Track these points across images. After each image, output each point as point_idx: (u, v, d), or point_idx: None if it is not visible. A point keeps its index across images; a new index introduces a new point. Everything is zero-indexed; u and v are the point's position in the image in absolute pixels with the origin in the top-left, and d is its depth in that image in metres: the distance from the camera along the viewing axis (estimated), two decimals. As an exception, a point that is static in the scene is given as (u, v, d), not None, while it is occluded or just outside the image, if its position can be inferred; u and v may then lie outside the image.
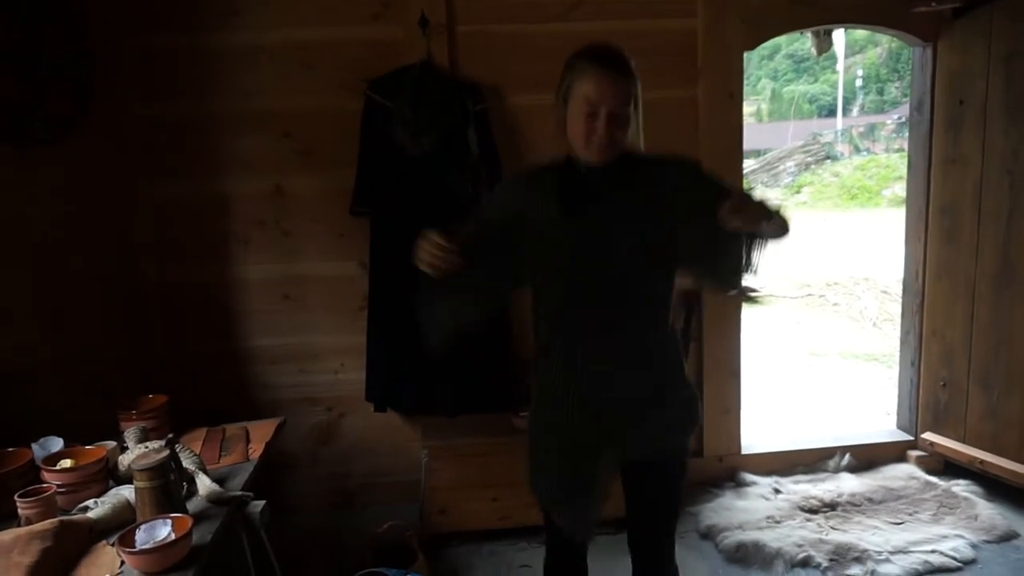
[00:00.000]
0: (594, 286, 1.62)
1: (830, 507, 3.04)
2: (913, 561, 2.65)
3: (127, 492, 1.80)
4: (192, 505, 1.83)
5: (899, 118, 18.15)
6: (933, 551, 2.69)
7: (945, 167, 3.14)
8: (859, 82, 25.17)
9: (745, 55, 3.11)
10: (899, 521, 2.92)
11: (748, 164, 18.32)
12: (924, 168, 3.25)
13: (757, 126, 23.95)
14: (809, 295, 7.59)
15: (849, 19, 3.20)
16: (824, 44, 3.17)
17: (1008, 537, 2.80)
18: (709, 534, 2.87)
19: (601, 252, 1.61)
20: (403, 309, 2.88)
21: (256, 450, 2.26)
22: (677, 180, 1.63)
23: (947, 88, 3.10)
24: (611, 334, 1.64)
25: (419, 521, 2.86)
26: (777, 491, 3.16)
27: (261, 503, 1.92)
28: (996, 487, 3.08)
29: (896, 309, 4.03)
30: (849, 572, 2.61)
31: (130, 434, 2.07)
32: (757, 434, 3.54)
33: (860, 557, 2.67)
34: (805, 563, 2.67)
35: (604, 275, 1.61)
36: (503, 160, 2.93)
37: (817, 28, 3.28)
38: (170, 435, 1.90)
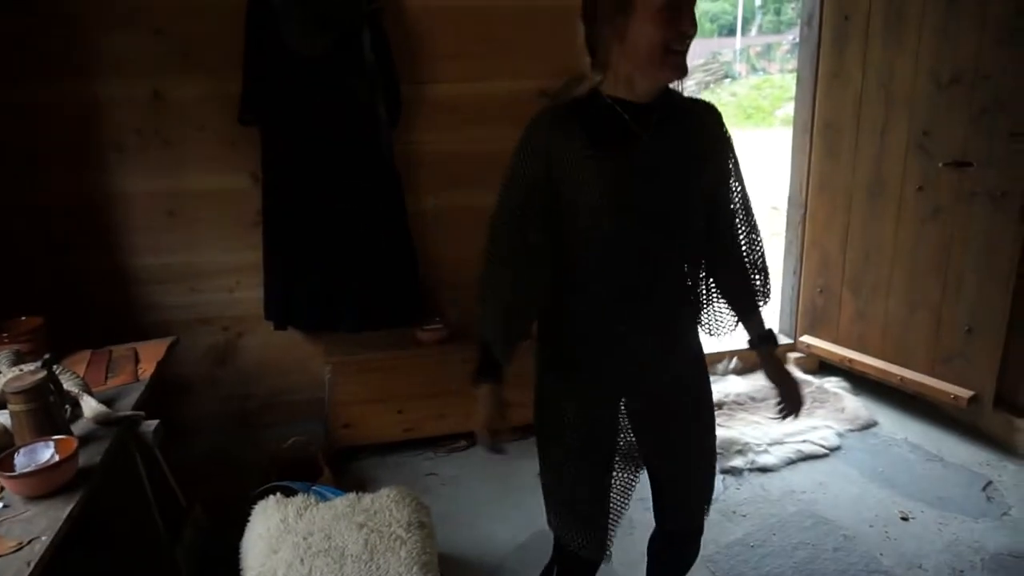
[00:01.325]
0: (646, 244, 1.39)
1: (718, 406, 3.26)
2: (787, 450, 2.90)
3: (2, 418, 1.70)
4: (78, 428, 1.76)
5: (794, 39, 18.61)
6: (804, 441, 2.96)
7: (830, 82, 3.27)
8: (758, 2, 25.52)
9: None
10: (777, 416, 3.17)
11: (651, 82, 18.45)
12: (811, 84, 3.38)
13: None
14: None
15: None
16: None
17: (868, 425, 3.11)
18: (606, 435, 3.02)
19: (656, 201, 1.37)
20: (301, 223, 2.81)
21: (146, 370, 2.17)
22: (713, 140, 1.44)
23: (835, 3, 3.19)
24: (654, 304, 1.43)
25: (324, 437, 2.87)
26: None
27: (154, 422, 1.86)
28: (862, 382, 3.39)
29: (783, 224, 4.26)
30: (732, 463, 2.83)
31: (2, 357, 1.94)
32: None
33: (742, 450, 2.90)
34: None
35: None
36: (398, 67, 2.82)
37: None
38: (47, 356, 1.79)
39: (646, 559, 1.81)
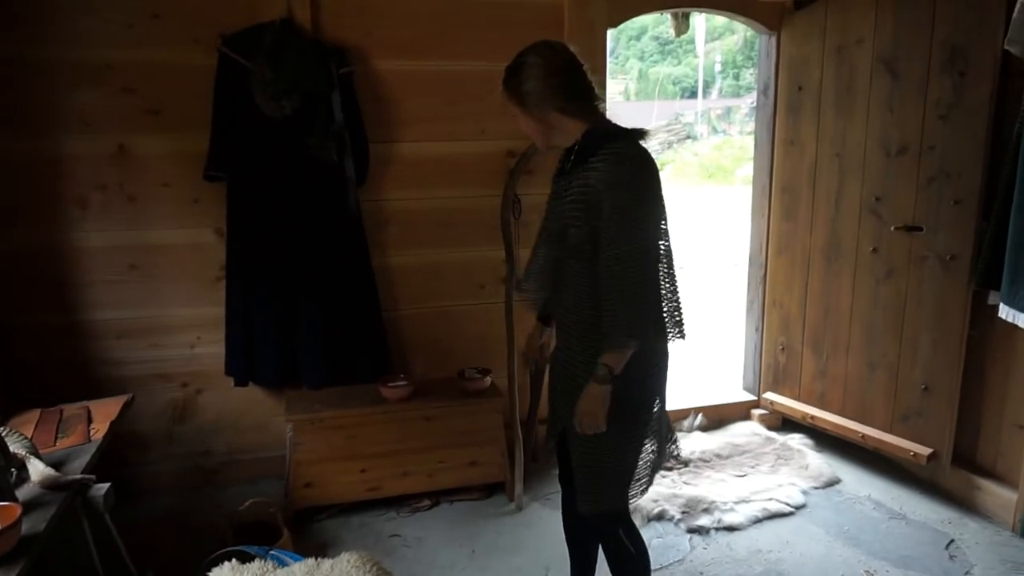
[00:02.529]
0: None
1: (683, 464, 3.26)
2: (754, 509, 2.90)
3: (-57, 481, 1.62)
4: (23, 493, 1.69)
5: (752, 103, 19.41)
6: (770, 499, 2.96)
7: (786, 148, 3.41)
8: (718, 67, 26.57)
9: (615, 35, 3.20)
10: (743, 474, 3.18)
11: (616, 141, 18.95)
12: (768, 148, 3.51)
13: (625, 104, 24.74)
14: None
15: (704, 4, 3.36)
16: (682, 26, 3.33)
17: (832, 483, 3.13)
18: (572, 494, 2.99)
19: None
20: (265, 278, 2.79)
21: (99, 430, 2.11)
22: (602, 185, 1.69)
23: (788, 75, 3.35)
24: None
25: (284, 497, 2.79)
26: (636, 451, 3.34)
27: (105, 486, 1.80)
28: (824, 439, 3.43)
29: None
30: (699, 522, 2.81)
31: (-54, 418, 1.86)
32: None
33: (708, 508, 2.89)
34: (660, 516, 2.85)
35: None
36: (367, 127, 2.87)
37: (675, 10, 3.43)
38: (-6, 417, 1.73)
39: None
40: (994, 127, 2.67)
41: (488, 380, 2.97)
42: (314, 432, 2.75)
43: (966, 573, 2.52)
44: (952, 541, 2.70)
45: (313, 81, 2.66)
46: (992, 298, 2.65)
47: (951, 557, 2.61)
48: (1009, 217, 2.52)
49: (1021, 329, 2.52)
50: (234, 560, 1.93)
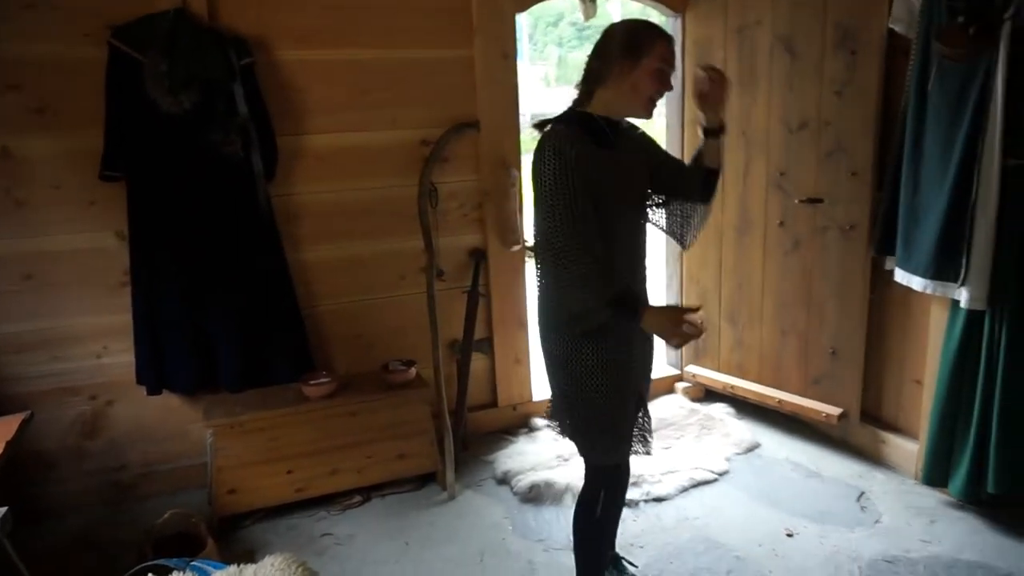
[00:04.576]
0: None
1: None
2: (680, 479, 2.98)
3: None
4: (-89, 522, 1.57)
5: (667, 85, 19.78)
6: (696, 468, 3.06)
7: (694, 128, 3.49)
8: (633, 51, 27.02)
9: (533, 22, 3.21)
10: (668, 446, 3.27)
11: (537, 127, 19.07)
12: (679, 129, 3.60)
13: (545, 90, 24.84)
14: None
15: (610, -13, 3.41)
16: (590, 10, 3.35)
17: (753, 448, 3.26)
18: (505, 479, 3.01)
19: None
20: (173, 281, 2.69)
21: (-4, 451, 1.98)
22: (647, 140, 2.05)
23: (694, 56, 3.44)
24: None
25: (208, 505, 2.70)
26: (565, 432, 3.39)
27: (2, 510, 1.69)
28: (744, 406, 3.57)
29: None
30: (629, 496, 2.86)
31: None
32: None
33: (637, 481, 2.95)
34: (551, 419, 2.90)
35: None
36: (274, 119, 2.78)
37: (584, -6, 3.44)
38: None
39: None
40: (884, 102, 2.81)
41: (413, 371, 2.95)
42: (235, 436, 2.67)
43: (876, 522, 2.68)
44: (863, 493, 2.86)
45: (212, 73, 2.56)
46: (888, 263, 2.80)
47: (862, 508, 2.77)
48: (900, 187, 2.67)
49: (915, 291, 2.67)
50: (150, 575, 1.86)
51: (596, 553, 2.17)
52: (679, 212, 2.12)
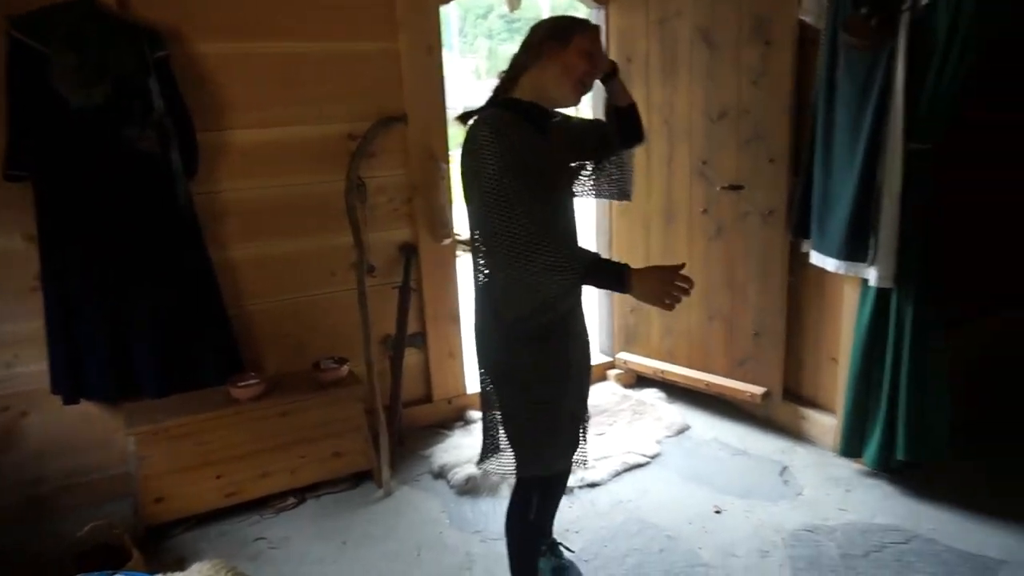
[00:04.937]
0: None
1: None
2: (614, 464, 3.05)
3: None
4: None
5: (597, 77, 20.01)
6: (628, 452, 3.13)
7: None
8: (563, 43, 27.21)
9: (462, 14, 3.19)
10: (602, 432, 3.33)
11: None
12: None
13: (476, 83, 24.78)
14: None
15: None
16: (515, 2, 3.37)
17: (683, 430, 3.36)
18: (441, 473, 3.01)
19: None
20: (88, 284, 2.58)
21: None
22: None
23: (618, 46, 3.49)
24: None
25: (133, 515, 2.61)
26: (502, 422, 3.41)
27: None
28: (674, 390, 3.66)
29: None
30: (564, 483, 2.92)
31: None
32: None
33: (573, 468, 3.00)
34: (483, 461, 2.92)
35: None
36: (194, 115, 2.70)
37: (508, -14, 3.45)
38: None
39: None
40: (797, 91, 2.92)
41: (345, 369, 2.91)
42: (160, 443, 2.59)
43: (797, 494, 2.80)
44: (785, 468, 2.98)
45: (124, 66, 2.46)
46: (805, 246, 2.93)
47: (785, 482, 2.89)
48: (814, 172, 2.79)
49: (829, 272, 2.80)
50: (72, 589, 1.78)
51: (530, 552, 2.13)
52: (614, 167, 2.11)
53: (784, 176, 3.00)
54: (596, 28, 1.86)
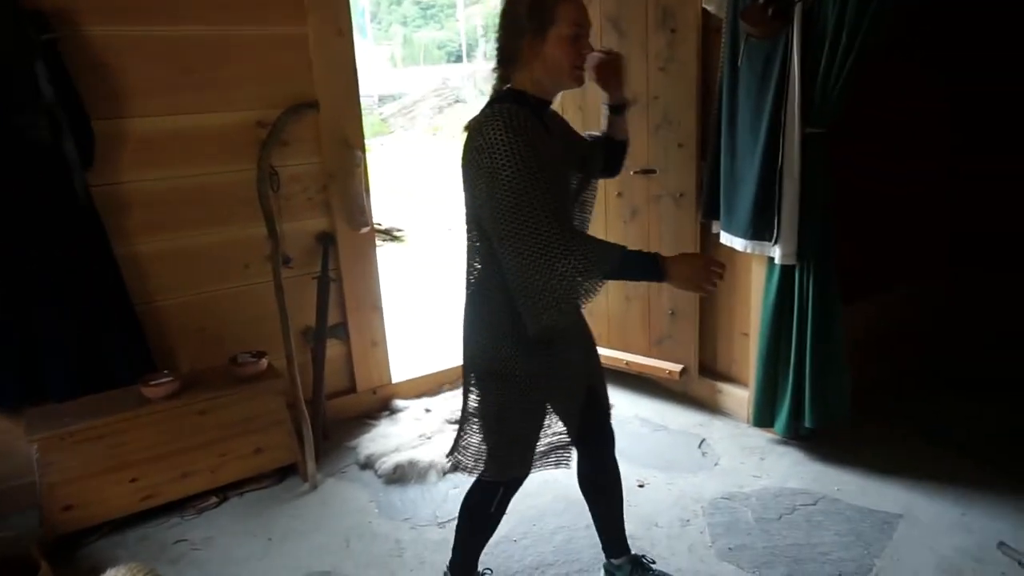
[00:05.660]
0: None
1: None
2: (539, 445, 3.09)
3: None
4: None
5: (514, 65, 20.05)
6: (555, 434, 3.17)
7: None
8: (480, 30, 27.17)
9: (375, 0, 3.12)
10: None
11: (387, 108, 18.75)
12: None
13: (392, 71, 24.46)
14: (449, 230, 8.17)
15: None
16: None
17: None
18: (368, 463, 2.99)
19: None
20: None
21: None
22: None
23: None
24: None
25: (40, 526, 2.48)
26: (427, 411, 3.41)
27: None
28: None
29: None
30: (491, 466, 2.95)
31: None
32: (407, 363, 3.75)
33: (499, 451, 3.04)
34: (456, 467, 2.94)
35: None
36: (89, 102, 2.56)
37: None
38: None
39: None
40: (703, 77, 3.03)
41: (264, 363, 2.85)
42: (66, 448, 2.46)
43: (715, 464, 2.93)
44: (703, 440, 3.12)
45: (6, 49, 2.30)
46: (715, 227, 3.05)
47: (703, 454, 3.02)
48: (720, 156, 2.90)
49: (738, 251, 2.93)
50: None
51: (480, 542, 2.08)
52: (591, 189, 1.99)
53: (693, 160, 3.11)
54: (576, 1, 1.66)
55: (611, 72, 1.91)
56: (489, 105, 1.67)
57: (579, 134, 1.97)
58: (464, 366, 1.86)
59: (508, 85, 1.70)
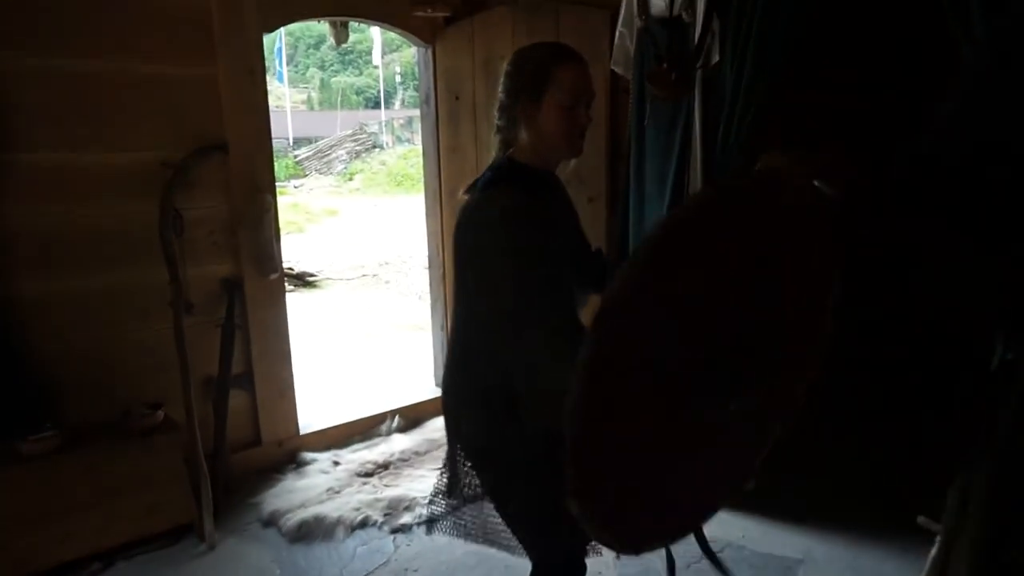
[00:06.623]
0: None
1: (384, 467, 3.30)
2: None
3: None
4: None
5: (432, 113, 20.33)
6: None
7: (449, 154, 3.64)
8: (398, 78, 27.42)
9: (293, 43, 3.13)
10: (440, 466, 3.32)
11: (302, 152, 18.53)
12: (434, 154, 3.72)
13: (308, 114, 24.26)
14: (364, 275, 8.07)
15: (358, 14, 3.43)
16: (342, 35, 3.36)
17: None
18: (272, 520, 2.85)
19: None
20: None
21: None
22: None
23: (446, 85, 3.59)
24: None
25: None
26: (336, 463, 3.30)
27: None
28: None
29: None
30: (402, 521, 2.87)
31: None
32: (316, 413, 3.63)
33: (410, 505, 2.97)
34: (364, 523, 2.85)
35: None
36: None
37: (333, 19, 3.45)
38: None
39: None
40: (611, 135, 3.15)
41: (160, 415, 2.69)
42: (-73, 513, 2.23)
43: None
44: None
45: None
46: (623, 278, 3.13)
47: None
48: (629, 211, 3.01)
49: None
50: None
51: None
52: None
53: (603, 214, 3.21)
54: (578, 65, 1.53)
55: None
56: (487, 186, 1.53)
57: (579, 223, 1.82)
58: (453, 442, 1.77)
59: (511, 150, 1.56)
